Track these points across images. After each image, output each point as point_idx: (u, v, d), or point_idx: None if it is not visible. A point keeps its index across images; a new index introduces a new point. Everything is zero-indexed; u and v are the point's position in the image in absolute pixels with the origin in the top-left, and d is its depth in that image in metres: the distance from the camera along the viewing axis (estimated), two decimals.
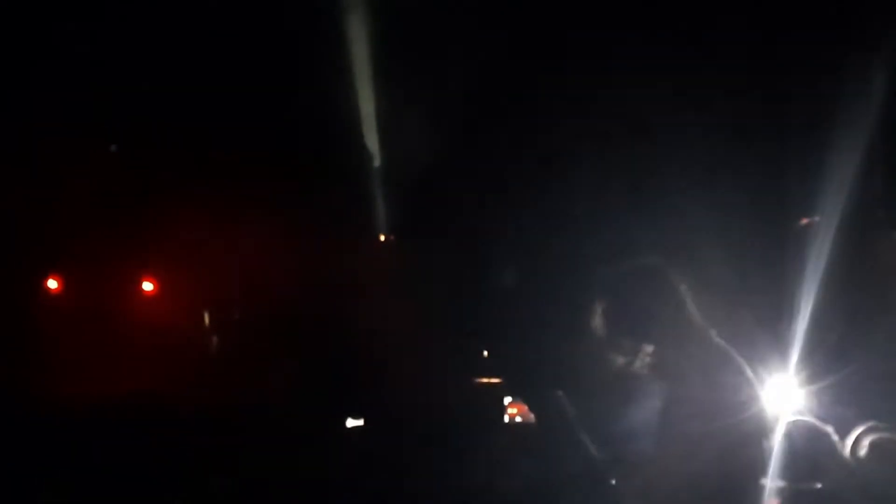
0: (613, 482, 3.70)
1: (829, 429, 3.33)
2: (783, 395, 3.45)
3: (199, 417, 7.78)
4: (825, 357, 3.64)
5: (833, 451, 3.31)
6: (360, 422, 7.39)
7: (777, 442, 3.33)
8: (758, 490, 3.31)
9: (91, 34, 6.93)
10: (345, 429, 7.39)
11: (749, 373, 3.42)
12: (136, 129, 7.97)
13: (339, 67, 7.07)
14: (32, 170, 8.13)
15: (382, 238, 8.14)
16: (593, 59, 5.84)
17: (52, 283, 9.08)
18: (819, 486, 3.30)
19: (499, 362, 6.80)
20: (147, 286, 9.08)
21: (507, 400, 6.62)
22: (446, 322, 6.78)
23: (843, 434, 3.33)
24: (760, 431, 3.38)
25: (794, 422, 3.38)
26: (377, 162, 7.85)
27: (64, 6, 6.87)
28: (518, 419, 6.53)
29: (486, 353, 7.29)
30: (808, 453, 3.34)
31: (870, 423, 3.36)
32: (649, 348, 3.50)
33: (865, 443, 3.34)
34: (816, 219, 4.71)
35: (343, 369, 7.45)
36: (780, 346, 3.66)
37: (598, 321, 3.51)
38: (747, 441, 3.38)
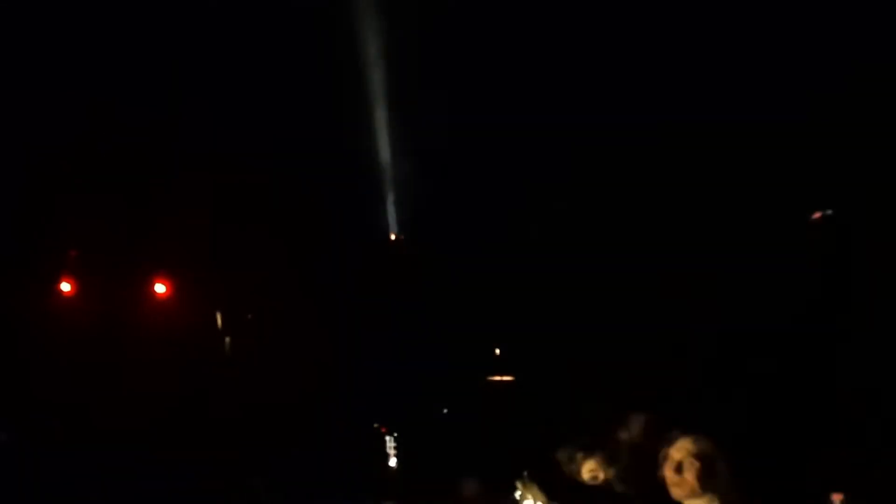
0: None
1: None
2: None
3: (213, 418, 7.80)
4: None
5: None
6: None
7: None
8: None
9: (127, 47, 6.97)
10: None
11: None
12: (150, 136, 7.99)
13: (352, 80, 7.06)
14: (48, 174, 8.14)
15: (393, 237, 8.13)
16: (597, 62, 5.80)
17: (66, 286, 9.07)
18: None
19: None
20: (160, 288, 9.07)
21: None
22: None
23: None
24: None
25: None
26: (390, 170, 7.85)
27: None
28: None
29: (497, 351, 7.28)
30: None
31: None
32: None
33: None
34: (829, 213, 4.66)
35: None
36: None
37: None
38: None
